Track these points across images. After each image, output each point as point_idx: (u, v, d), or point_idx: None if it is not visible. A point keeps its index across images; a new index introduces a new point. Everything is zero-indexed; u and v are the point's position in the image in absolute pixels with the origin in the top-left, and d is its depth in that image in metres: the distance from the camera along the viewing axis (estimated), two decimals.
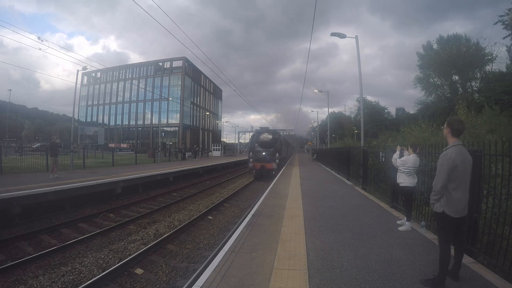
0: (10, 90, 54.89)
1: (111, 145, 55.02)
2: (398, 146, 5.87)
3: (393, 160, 5.55)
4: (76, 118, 40.06)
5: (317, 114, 64.97)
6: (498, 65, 33.13)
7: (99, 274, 4.76)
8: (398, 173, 5.36)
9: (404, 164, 5.26)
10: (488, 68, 34.61)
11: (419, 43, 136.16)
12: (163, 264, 5.37)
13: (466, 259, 3.59)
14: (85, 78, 69.50)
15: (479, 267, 3.55)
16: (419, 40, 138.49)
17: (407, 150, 5.50)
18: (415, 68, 41.36)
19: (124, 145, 58.89)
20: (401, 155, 5.58)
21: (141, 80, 62.07)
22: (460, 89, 36.87)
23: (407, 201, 5.41)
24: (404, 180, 5.26)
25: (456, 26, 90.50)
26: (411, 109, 48.65)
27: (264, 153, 18.80)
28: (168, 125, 60.97)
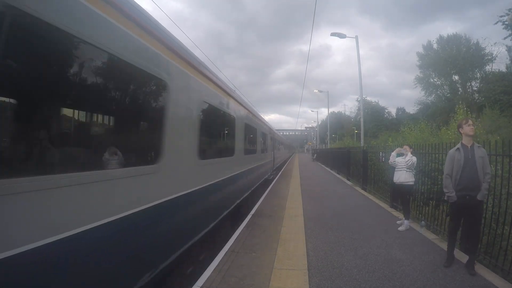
0: None
1: None
2: (407, 146, 5.61)
3: (409, 161, 5.28)
4: None
5: (317, 114, 64.90)
6: (498, 65, 33.19)
7: None
8: (406, 173, 5.28)
9: (416, 163, 5.32)
10: (488, 68, 34.66)
11: (411, 44, 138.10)
12: None
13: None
14: None
15: (479, 267, 3.55)
16: (410, 41, 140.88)
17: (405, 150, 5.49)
18: (408, 68, 41.63)
19: None
20: (400, 155, 5.55)
21: None
22: (460, 89, 36.88)
23: (409, 199, 5.41)
24: (412, 178, 5.29)
25: (448, 27, 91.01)
26: (409, 109, 48.73)
27: None
28: None
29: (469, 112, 15.36)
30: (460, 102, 16.83)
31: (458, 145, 3.56)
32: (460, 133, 3.63)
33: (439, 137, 12.76)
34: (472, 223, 3.52)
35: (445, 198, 3.68)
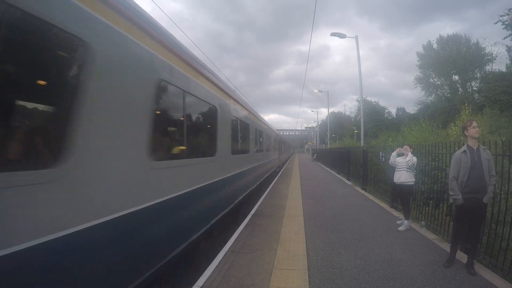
0: None
1: None
2: (407, 146, 5.61)
3: (409, 161, 5.25)
4: None
5: (317, 114, 65.06)
6: (498, 65, 33.18)
7: None
8: (407, 173, 5.26)
9: (416, 163, 5.33)
10: (488, 68, 34.64)
11: (409, 44, 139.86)
12: None
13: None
14: None
15: (479, 267, 3.56)
16: (409, 41, 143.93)
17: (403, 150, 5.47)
18: (408, 68, 41.81)
19: None
20: (400, 155, 5.54)
21: None
22: (460, 89, 36.88)
23: (409, 199, 5.40)
24: (412, 178, 5.29)
25: (447, 27, 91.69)
26: (409, 109, 48.82)
27: None
28: None
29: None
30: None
31: (464, 148, 3.51)
32: (465, 135, 3.57)
33: (440, 137, 12.77)
34: (474, 224, 3.52)
35: (451, 201, 3.65)
